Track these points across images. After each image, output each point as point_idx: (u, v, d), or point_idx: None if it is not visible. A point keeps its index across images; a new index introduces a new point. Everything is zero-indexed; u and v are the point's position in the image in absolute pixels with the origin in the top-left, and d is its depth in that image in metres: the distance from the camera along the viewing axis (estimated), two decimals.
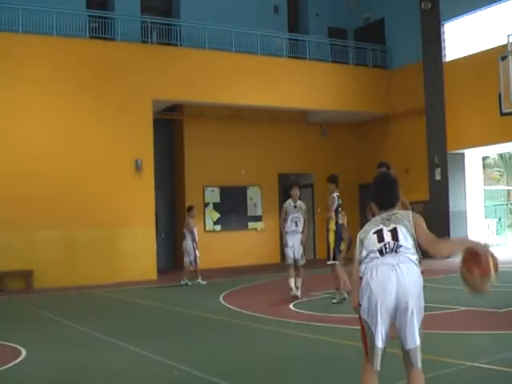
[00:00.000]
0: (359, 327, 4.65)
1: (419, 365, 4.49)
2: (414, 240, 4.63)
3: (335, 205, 12.38)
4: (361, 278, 4.64)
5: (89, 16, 20.04)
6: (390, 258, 4.55)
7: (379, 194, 5.04)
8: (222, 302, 13.31)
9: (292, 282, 13.16)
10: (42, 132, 18.20)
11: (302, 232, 13.30)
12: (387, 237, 4.64)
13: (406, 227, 4.67)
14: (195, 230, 17.10)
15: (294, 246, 13.23)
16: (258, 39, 22.03)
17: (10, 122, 17.78)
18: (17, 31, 18.10)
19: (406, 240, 4.61)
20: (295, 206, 13.21)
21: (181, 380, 6.68)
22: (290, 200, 13.37)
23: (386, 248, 4.60)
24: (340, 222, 12.46)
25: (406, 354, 4.51)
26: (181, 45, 20.98)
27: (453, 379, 6.42)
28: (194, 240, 16.91)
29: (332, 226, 12.36)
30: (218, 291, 14.81)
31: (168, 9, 23.41)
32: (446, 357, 7.13)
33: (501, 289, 12.98)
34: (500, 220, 26.01)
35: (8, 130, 17.76)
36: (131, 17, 20.87)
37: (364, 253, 4.68)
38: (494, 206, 27.73)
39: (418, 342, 4.46)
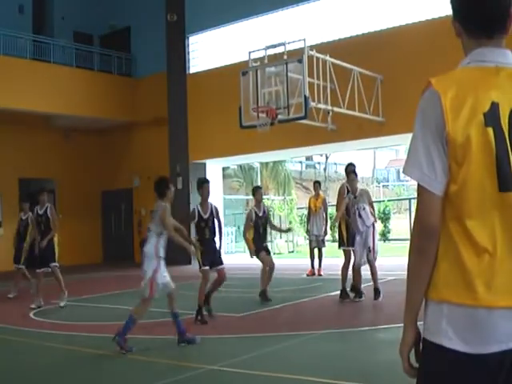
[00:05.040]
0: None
1: None
2: None
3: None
4: None
5: None
6: None
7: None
8: None
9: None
10: None
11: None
12: None
13: None
14: None
15: None
16: (1, 39, 21.03)
17: None
18: None
19: None
20: None
21: None
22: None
23: None
24: None
25: None
26: None
27: (193, 383, 6.62)
28: None
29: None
30: None
31: None
32: (186, 361, 7.34)
33: (238, 294, 13.60)
34: (239, 228, 27.04)
35: None
36: None
37: None
38: (234, 214, 28.89)
39: None
